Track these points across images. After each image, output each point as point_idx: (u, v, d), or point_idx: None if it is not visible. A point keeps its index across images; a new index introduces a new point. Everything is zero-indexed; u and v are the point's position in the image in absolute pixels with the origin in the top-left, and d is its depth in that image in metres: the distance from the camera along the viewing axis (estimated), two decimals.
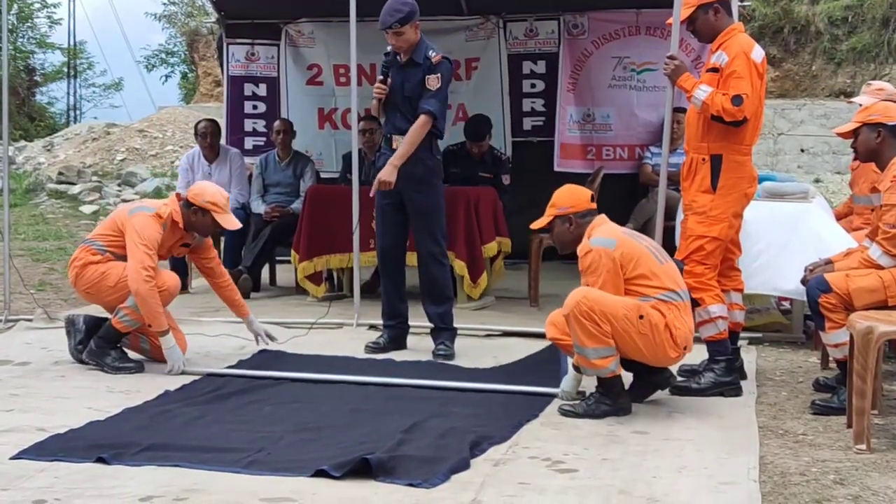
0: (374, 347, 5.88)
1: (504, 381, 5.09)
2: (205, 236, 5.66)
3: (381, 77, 5.77)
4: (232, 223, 5.54)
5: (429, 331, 5.95)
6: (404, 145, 5.62)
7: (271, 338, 5.79)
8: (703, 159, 4.99)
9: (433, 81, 5.61)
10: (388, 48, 5.77)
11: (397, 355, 5.80)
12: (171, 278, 5.47)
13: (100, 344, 5.34)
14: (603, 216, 4.77)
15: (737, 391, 4.97)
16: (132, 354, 5.44)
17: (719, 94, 4.86)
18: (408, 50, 5.67)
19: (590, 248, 4.55)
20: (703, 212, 4.97)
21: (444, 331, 5.85)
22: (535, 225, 4.83)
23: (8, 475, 3.65)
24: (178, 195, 5.61)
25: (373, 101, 5.85)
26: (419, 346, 5.95)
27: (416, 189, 5.72)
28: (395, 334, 5.97)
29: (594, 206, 4.77)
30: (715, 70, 4.96)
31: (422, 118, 5.60)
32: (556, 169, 8.54)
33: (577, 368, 4.71)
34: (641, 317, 4.47)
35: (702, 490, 3.60)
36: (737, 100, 4.82)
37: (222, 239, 8.09)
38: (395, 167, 5.62)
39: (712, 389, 4.93)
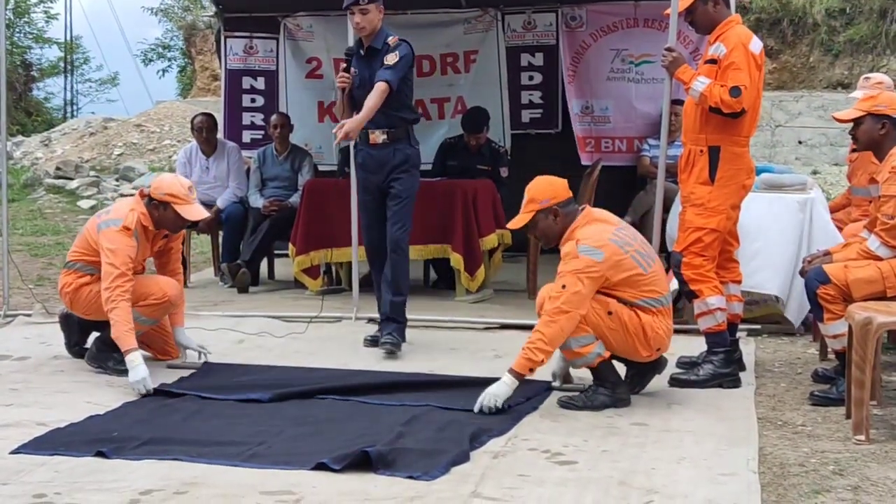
0: (372, 341, 5.87)
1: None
2: (175, 232, 5.37)
3: (344, 67, 5.81)
4: (195, 213, 5.20)
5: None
6: (364, 110, 5.61)
7: (204, 352, 5.40)
8: (701, 151, 4.99)
9: (391, 58, 5.65)
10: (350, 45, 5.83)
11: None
12: (171, 286, 5.25)
13: (101, 347, 5.26)
14: (589, 210, 4.71)
15: (735, 382, 4.98)
16: None
17: (717, 86, 4.86)
18: (369, 36, 5.69)
19: (576, 256, 4.48)
20: (701, 203, 4.97)
21: (391, 321, 5.75)
22: (514, 224, 4.72)
23: (8, 470, 3.66)
24: (141, 192, 5.28)
25: (339, 93, 5.86)
26: (417, 339, 5.94)
27: (395, 177, 5.74)
28: None
29: (571, 193, 4.73)
30: (713, 61, 4.96)
31: (378, 85, 5.59)
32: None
33: None
34: (610, 313, 4.48)
35: (701, 481, 3.61)
36: (735, 91, 4.82)
37: (220, 233, 8.11)
38: (360, 122, 5.61)
39: (711, 381, 4.94)
